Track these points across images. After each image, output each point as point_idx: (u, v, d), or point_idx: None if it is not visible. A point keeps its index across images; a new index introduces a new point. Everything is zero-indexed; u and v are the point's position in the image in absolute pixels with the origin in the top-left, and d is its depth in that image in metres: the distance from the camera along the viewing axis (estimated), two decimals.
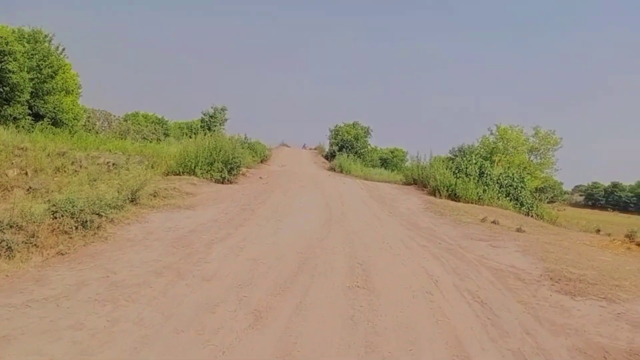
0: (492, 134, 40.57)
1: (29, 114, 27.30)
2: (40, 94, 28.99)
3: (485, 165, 21.56)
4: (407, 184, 22.94)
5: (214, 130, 35.92)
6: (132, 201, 10.18)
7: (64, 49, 31.07)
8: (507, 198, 20.27)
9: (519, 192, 20.97)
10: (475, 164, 21.28)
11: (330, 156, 41.69)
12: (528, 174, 33.03)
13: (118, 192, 9.90)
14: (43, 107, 28.88)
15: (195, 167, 17.10)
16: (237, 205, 12.33)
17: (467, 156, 23.49)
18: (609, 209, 71.76)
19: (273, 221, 10.55)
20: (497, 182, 20.70)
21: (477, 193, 19.05)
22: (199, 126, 35.70)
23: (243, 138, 38.39)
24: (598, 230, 16.78)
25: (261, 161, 32.70)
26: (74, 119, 31.73)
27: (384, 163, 50.98)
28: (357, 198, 16.29)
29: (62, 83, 31.74)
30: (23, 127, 24.95)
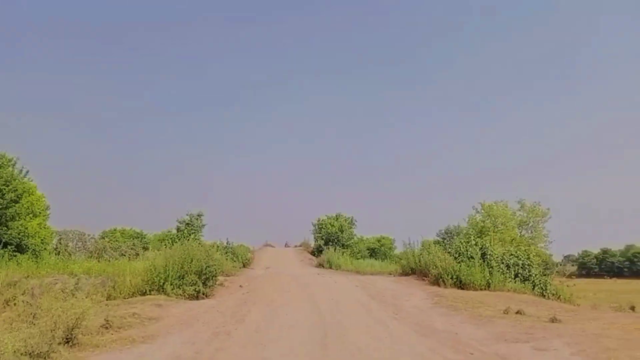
0: (477, 212, 38.93)
1: None
2: (3, 220, 26.67)
3: (487, 245, 19.40)
4: (405, 274, 20.54)
5: (191, 239, 33.55)
6: (67, 342, 7.64)
7: (27, 172, 29.25)
8: (516, 279, 17.96)
9: (527, 271, 18.70)
10: (476, 244, 19.12)
11: (316, 251, 39.25)
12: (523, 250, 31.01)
13: (43, 333, 7.37)
14: (6, 234, 26.42)
15: (164, 283, 14.60)
16: (209, 328, 9.79)
17: (465, 237, 21.34)
18: (605, 277, 69.36)
19: (254, 347, 8.04)
20: (502, 262, 18.45)
21: (485, 277, 16.72)
22: (175, 236, 33.22)
23: (225, 243, 36.04)
24: (633, 308, 14.44)
25: (243, 265, 30.12)
26: (41, 243, 29.23)
27: (373, 253, 48.60)
28: (353, 300, 13.81)
29: (28, 206, 29.58)
30: None
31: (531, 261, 19.41)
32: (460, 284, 16.69)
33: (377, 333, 9.41)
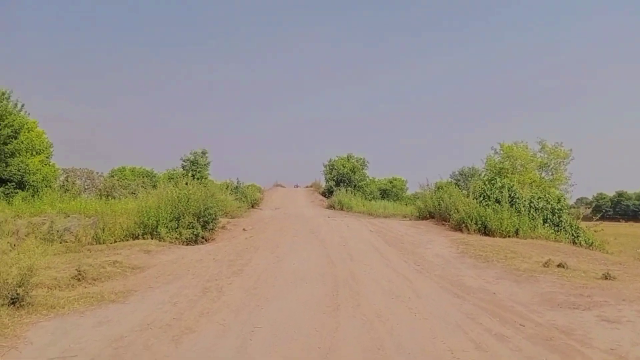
0: (496, 153, 36.82)
1: None
2: (2, 156, 25.19)
3: (515, 187, 17.50)
4: (422, 218, 18.83)
5: (197, 178, 31.99)
6: (12, 303, 6.01)
7: (23, 106, 27.49)
8: (545, 225, 16.17)
9: (558, 216, 16.88)
10: (502, 187, 17.22)
11: (327, 193, 37.71)
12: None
13: None
14: (5, 171, 25.04)
15: (158, 226, 13.01)
16: (200, 282, 8.17)
17: (487, 178, 19.38)
18: (620, 220, 67.46)
19: (247, 312, 6.37)
20: (531, 207, 16.62)
21: (513, 223, 14.94)
22: (180, 175, 31.70)
23: (235, 182, 34.56)
24: None
25: (252, 206, 28.64)
26: (42, 180, 27.85)
27: (384, 194, 47.10)
28: (368, 247, 12.14)
29: (28, 143, 28.01)
30: None
31: (562, 205, 17.55)
32: (486, 230, 14.96)
33: (399, 291, 7.72)
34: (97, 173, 34.95)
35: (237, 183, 34.31)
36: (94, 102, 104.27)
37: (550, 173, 36.18)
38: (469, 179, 49.06)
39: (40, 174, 27.62)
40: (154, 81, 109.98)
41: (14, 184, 24.97)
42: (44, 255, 8.66)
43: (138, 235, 12.92)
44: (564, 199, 18.26)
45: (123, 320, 5.93)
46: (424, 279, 8.77)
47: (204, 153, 33.16)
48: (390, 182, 51.94)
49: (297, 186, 51.46)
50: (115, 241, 12.64)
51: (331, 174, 39.21)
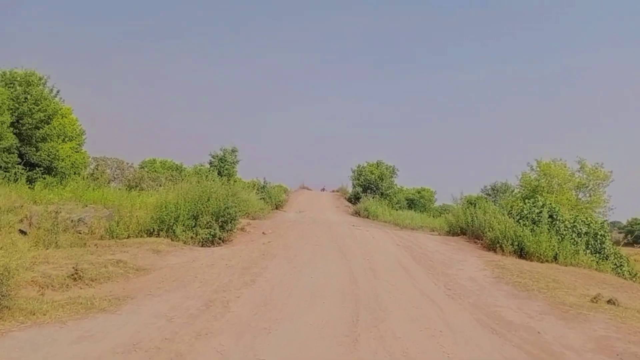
0: (532, 169, 35.19)
1: (19, 163, 23.31)
2: (33, 141, 24.98)
3: (557, 208, 16.18)
4: (453, 233, 17.61)
5: (224, 175, 31.33)
6: None
7: (58, 92, 27.32)
8: (587, 251, 14.82)
9: (600, 242, 15.50)
10: (543, 206, 15.91)
11: (354, 198, 36.66)
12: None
13: None
14: (35, 155, 24.80)
15: (175, 224, 12.22)
16: (206, 291, 7.29)
17: (532, 198, 18.05)
18: None
19: (251, 336, 5.44)
20: (573, 230, 15.28)
21: (553, 247, 13.67)
22: (207, 171, 31.11)
23: (262, 182, 33.86)
24: None
25: (276, 207, 27.82)
26: (71, 167, 27.61)
27: (411, 204, 45.81)
28: (394, 263, 11.07)
29: (60, 129, 27.80)
30: (8, 178, 20.85)
31: (604, 231, 16.13)
32: (522, 253, 13.71)
33: (428, 321, 6.68)
34: (127, 163, 34.74)
35: (264, 183, 33.60)
36: (130, 92, 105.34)
37: (587, 194, 34.35)
38: (501, 194, 47.38)
39: (70, 160, 27.35)
40: (191, 75, 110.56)
41: (42, 169, 24.76)
42: (34, 250, 7.90)
43: (153, 231, 12.18)
44: (607, 223, 16.79)
45: (107, 336, 5.07)
46: (457, 307, 7.69)
47: (233, 151, 32.49)
48: (419, 192, 50.62)
49: (324, 190, 50.56)
50: (129, 236, 11.92)
51: (359, 179, 38.17)
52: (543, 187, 34.16)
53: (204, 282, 7.89)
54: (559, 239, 14.26)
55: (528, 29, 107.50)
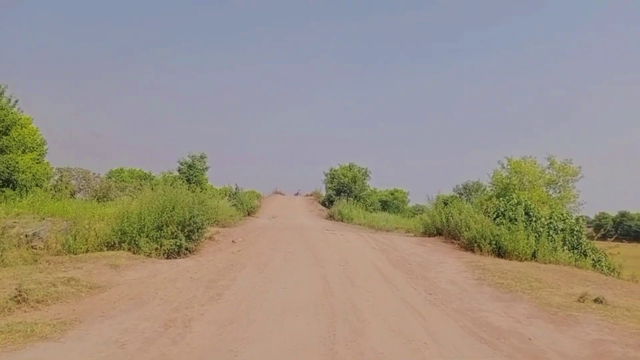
0: (503, 167, 35.23)
1: None
2: None
3: (532, 205, 15.87)
4: (429, 234, 17.16)
5: (193, 182, 30.35)
6: None
7: (16, 101, 26.06)
8: (564, 248, 14.53)
9: (577, 238, 15.24)
10: (518, 204, 15.58)
11: (327, 202, 36.10)
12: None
13: None
14: None
15: (137, 235, 11.38)
16: (166, 310, 6.54)
17: (506, 195, 17.72)
18: (623, 241, 65.56)
19: None
20: (550, 227, 14.97)
21: (530, 245, 13.31)
22: (175, 178, 30.10)
23: (233, 188, 32.99)
24: None
25: (248, 213, 27.02)
26: (32, 179, 26.30)
27: (385, 205, 45.60)
28: (371, 268, 10.47)
29: (19, 139, 26.49)
30: None
31: (581, 226, 15.88)
32: (500, 252, 13.31)
33: (411, 332, 6.09)
34: (94, 174, 33.40)
35: (236, 189, 32.76)
36: (93, 102, 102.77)
37: (558, 190, 34.54)
38: (473, 193, 47.51)
39: (30, 172, 26.07)
40: (156, 82, 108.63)
41: (0, 181, 23.57)
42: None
43: (114, 244, 11.31)
44: (582, 219, 16.55)
45: None
46: (440, 314, 7.13)
47: (202, 157, 31.55)
48: (392, 194, 50.46)
49: (298, 194, 49.94)
50: (88, 250, 11.03)
51: (332, 183, 37.65)
52: (514, 185, 34.22)
53: (164, 299, 7.14)
54: (536, 237, 13.93)
55: (498, 21, 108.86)
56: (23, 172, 25.51)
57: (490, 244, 13.39)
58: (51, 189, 27.32)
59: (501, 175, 35.17)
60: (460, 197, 47.39)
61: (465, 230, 14.39)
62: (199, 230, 12.63)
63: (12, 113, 25.43)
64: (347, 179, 36.73)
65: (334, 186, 36.82)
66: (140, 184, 32.31)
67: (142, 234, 11.43)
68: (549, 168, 34.17)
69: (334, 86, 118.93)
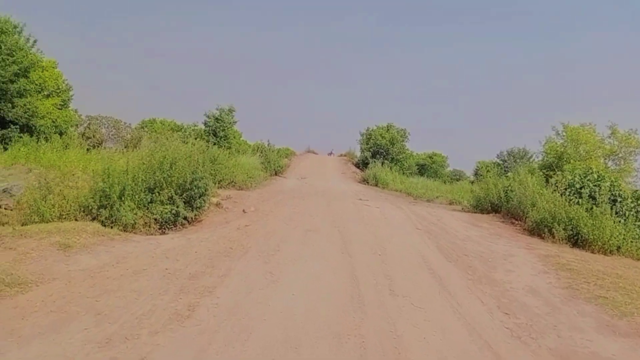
0: (558, 134, 31.33)
1: None
2: (8, 95, 21.57)
3: (617, 182, 12.60)
4: (481, 210, 14.12)
5: (220, 137, 27.83)
6: None
7: (35, 42, 23.70)
8: None
9: None
10: (600, 179, 12.34)
11: (362, 164, 33.18)
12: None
13: None
14: (10, 112, 21.47)
15: (119, 199, 8.80)
16: (86, 343, 3.92)
17: (584, 170, 14.41)
18: None
19: None
20: (637, 210, 11.76)
21: (618, 234, 10.20)
22: (202, 132, 27.64)
23: (266, 144, 30.48)
24: None
25: (275, 173, 24.44)
26: (52, 125, 24.27)
27: (422, 170, 42.25)
28: (417, 262, 7.60)
29: (39, 83, 24.32)
30: None
31: None
32: (577, 240, 10.26)
33: None
34: (125, 123, 31.32)
35: (268, 145, 30.19)
36: (129, 51, 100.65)
37: (618, 162, 30.47)
38: (518, 160, 43.71)
39: (50, 118, 23.98)
40: (192, 33, 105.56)
41: (18, 127, 21.56)
42: None
43: (91, 209, 8.78)
44: None
45: None
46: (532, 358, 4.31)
47: (230, 110, 28.78)
48: (430, 158, 46.93)
49: (331, 154, 47.13)
50: (62, 216, 8.57)
51: (368, 144, 34.58)
52: (570, 154, 30.37)
53: (102, 314, 4.52)
54: (624, 224, 10.80)
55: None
56: (42, 118, 23.47)
57: (565, 229, 10.33)
58: (79, 137, 25.41)
59: (555, 142, 31.33)
60: (502, 165, 43.71)
61: (533, 211, 11.33)
62: (202, 196, 10.00)
63: (31, 54, 23.21)
64: (384, 140, 33.59)
65: (370, 147, 33.79)
66: (172, 135, 30.07)
67: (124, 197, 8.86)
68: (609, 137, 30.14)
69: (375, 46, 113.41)
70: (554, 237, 10.34)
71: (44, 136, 21.98)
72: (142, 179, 9.36)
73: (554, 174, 16.42)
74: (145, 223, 8.99)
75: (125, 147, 23.00)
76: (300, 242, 8.02)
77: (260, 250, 7.32)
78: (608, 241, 9.98)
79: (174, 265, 6.25)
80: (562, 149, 30.79)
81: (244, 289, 5.63)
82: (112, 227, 8.11)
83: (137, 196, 9.08)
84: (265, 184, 18.05)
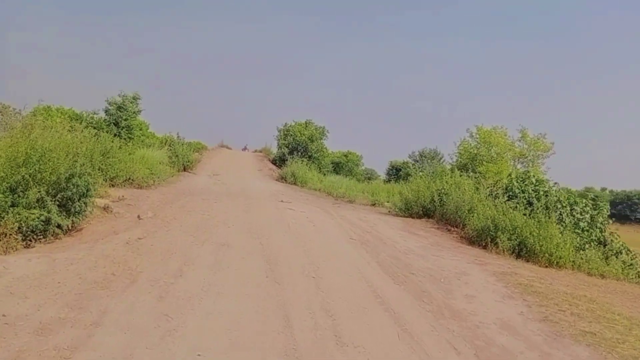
0: (472, 136, 31.53)
1: None
2: None
3: (554, 187, 11.82)
4: (410, 214, 12.82)
5: (123, 127, 24.67)
6: None
7: None
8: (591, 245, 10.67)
9: (600, 230, 11.44)
10: (538, 185, 11.48)
11: (279, 160, 31.30)
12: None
13: None
14: None
15: None
16: None
17: (522, 173, 13.60)
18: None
19: None
20: (573, 216, 11.04)
21: (566, 245, 9.26)
22: (102, 122, 24.27)
23: (175, 137, 27.57)
24: None
25: (184, 169, 21.90)
26: None
27: (337, 168, 41.20)
28: (360, 288, 5.89)
29: None
30: None
31: (600, 211, 11.95)
32: (520, 251, 9.19)
33: None
34: (14, 109, 26.92)
35: (177, 138, 27.36)
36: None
37: (526, 165, 31.19)
38: (429, 161, 44.16)
39: None
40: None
41: None
42: None
43: None
44: (605, 202, 12.62)
45: None
46: None
47: (135, 98, 25.57)
48: (345, 156, 46.12)
49: (246, 149, 44.72)
50: None
51: (285, 140, 32.77)
52: (483, 156, 30.63)
53: None
54: (562, 230, 9.96)
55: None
56: None
57: (509, 239, 9.23)
58: None
59: (469, 144, 31.49)
60: (414, 165, 43.90)
61: (474, 217, 10.15)
62: (84, 198, 7.67)
63: None
64: (303, 137, 32.00)
65: (287, 143, 32.02)
66: (72, 126, 26.25)
67: None
68: (519, 140, 30.82)
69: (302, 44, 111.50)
70: (497, 248, 9.21)
71: None
72: (0, 176, 6.93)
73: (468, 175, 15.68)
74: (2, 233, 6.56)
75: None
76: (210, 264, 6.03)
77: (155, 278, 5.27)
78: (555, 252, 9.00)
79: (18, 308, 4.08)
80: (476, 151, 30.98)
81: (123, 348, 3.63)
82: None
83: None
84: (171, 181, 15.63)
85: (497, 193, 11.41)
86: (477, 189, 12.10)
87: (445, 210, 11.48)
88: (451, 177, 12.95)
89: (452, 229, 10.88)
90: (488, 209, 10.06)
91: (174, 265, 5.80)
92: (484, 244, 9.47)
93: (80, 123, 30.17)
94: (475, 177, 15.95)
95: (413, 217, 12.47)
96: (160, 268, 5.63)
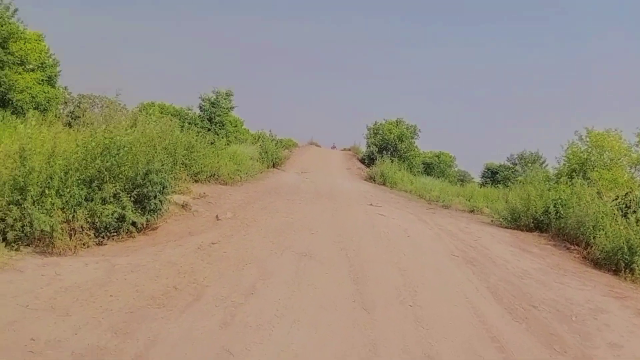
0: (581, 139, 28.28)
1: None
2: None
3: None
4: (518, 226, 11.11)
5: (216, 123, 24.84)
6: None
7: (16, 11, 21.18)
8: None
9: None
10: None
11: (367, 159, 30.19)
12: None
13: None
14: None
15: (41, 195, 5.91)
16: None
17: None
18: None
19: None
20: None
21: None
22: (196, 118, 24.64)
23: (267, 134, 27.60)
24: None
25: (273, 165, 21.50)
26: (30, 101, 21.76)
27: (427, 169, 39.26)
28: (466, 318, 4.65)
29: (20, 55, 21.80)
30: None
31: None
32: None
33: None
34: (120, 104, 28.36)
35: (269, 135, 27.31)
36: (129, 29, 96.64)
37: None
38: (529, 165, 40.88)
39: (29, 93, 21.32)
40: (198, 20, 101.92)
41: None
42: None
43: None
44: None
45: None
46: None
47: (228, 94, 25.80)
48: (437, 157, 43.95)
49: (334, 147, 44.15)
50: None
51: (374, 138, 31.56)
52: (594, 161, 27.29)
53: None
54: None
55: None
56: (20, 92, 20.95)
57: None
58: (67, 116, 22.68)
59: (579, 148, 28.27)
60: (513, 168, 41.06)
61: (597, 234, 8.39)
62: (160, 195, 7.07)
63: (10, 24, 20.71)
64: (392, 136, 30.59)
65: (377, 142, 30.78)
66: (171, 120, 27.07)
67: (49, 191, 5.97)
68: (637, 145, 27.11)
69: (387, 42, 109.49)
70: (633, 275, 7.44)
71: (22, 111, 19.57)
72: (75, 167, 6.48)
73: (582, 183, 13.62)
74: (73, 230, 6.07)
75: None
76: (289, 279, 5.08)
77: (222, 295, 4.40)
78: None
79: (53, 330, 3.35)
80: (586, 155, 27.64)
81: None
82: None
83: (67, 190, 6.20)
84: (259, 177, 15.10)
85: (631, 207, 9.42)
86: (600, 199, 10.18)
87: (563, 225, 9.72)
88: (568, 185, 11.06)
89: (572, 247, 9.13)
90: (620, 226, 8.23)
91: (246, 279, 4.92)
92: (614, 269, 7.72)
93: (179, 119, 31.01)
94: (589, 186, 13.86)
95: (522, 230, 10.78)
96: (230, 282, 4.76)
